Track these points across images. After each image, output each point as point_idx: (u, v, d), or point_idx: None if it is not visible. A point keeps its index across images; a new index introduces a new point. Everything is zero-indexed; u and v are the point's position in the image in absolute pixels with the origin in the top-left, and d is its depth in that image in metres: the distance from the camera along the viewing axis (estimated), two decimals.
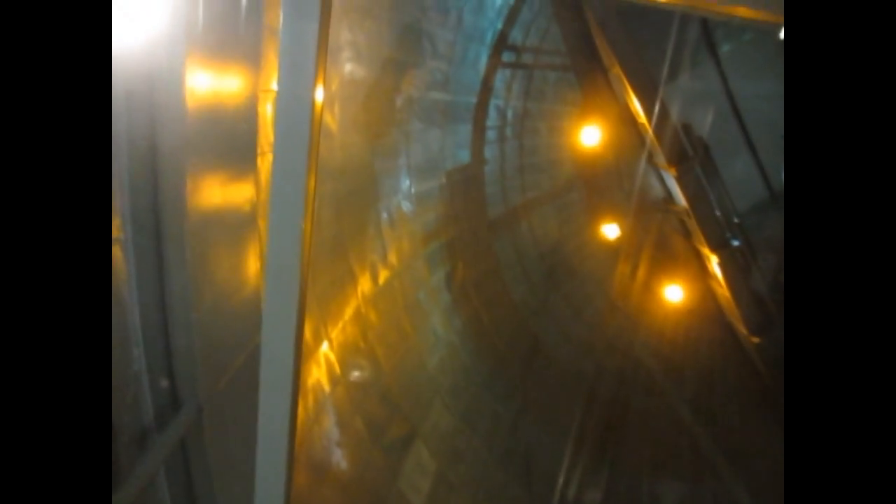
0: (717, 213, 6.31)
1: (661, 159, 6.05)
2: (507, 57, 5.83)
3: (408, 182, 4.98)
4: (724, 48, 5.86)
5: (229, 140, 2.56)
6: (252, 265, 2.74)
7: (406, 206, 4.98)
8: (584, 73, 5.87)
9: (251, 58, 2.64)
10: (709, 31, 5.51)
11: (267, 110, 2.99)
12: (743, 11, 1.74)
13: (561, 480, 5.46)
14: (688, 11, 4.68)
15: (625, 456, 5.71)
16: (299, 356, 1.86)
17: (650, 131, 5.57)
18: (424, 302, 5.07)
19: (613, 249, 6.40)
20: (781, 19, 1.61)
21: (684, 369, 6.35)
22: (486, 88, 5.77)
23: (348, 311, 4.12)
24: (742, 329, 6.33)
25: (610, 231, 6.45)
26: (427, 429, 4.58)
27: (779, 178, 6.29)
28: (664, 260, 6.77)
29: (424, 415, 4.63)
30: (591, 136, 6.03)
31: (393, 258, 4.63)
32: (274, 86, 2.89)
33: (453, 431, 4.80)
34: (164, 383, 2.09)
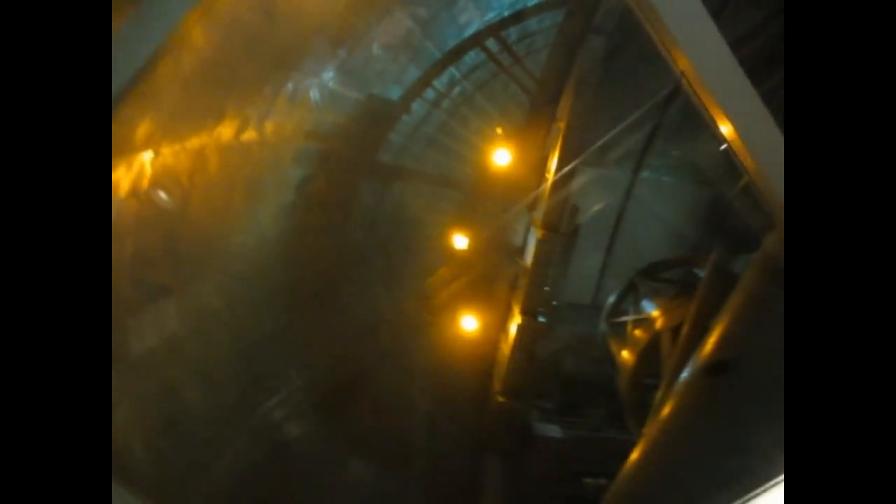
0: (546, 289, 6.83)
1: (539, 217, 6.40)
2: (490, 44, 5.79)
3: (337, 79, 4.73)
4: (647, 174, 6.40)
5: None
6: None
7: (317, 94, 4.73)
8: (537, 108, 6.01)
9: None
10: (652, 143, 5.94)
11: None
12: None
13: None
14: None
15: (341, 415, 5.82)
16: None
17: (548, 191, 5.87)
18: (268, 185, 4.84)
19: (452, 256, 6.60)
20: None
21: (434, 384, 6.72)
22: (454, 55, 5.68)
23: (193, 143, 3.81)
24: (497, 385, 6.90)
25: (460, 241, 6.65)
26: (189, 292, 4.36)
27: (605, 295, 6.98)
28: (482, 293, 7.15)
29: (197, 279, 4.41)
30: (502, 158, 6.18)
31: (269, 127, 4.35)
32: None
33: (208, 311, 4.62)
34: None
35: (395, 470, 5.42)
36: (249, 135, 4.24)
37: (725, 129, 1.64)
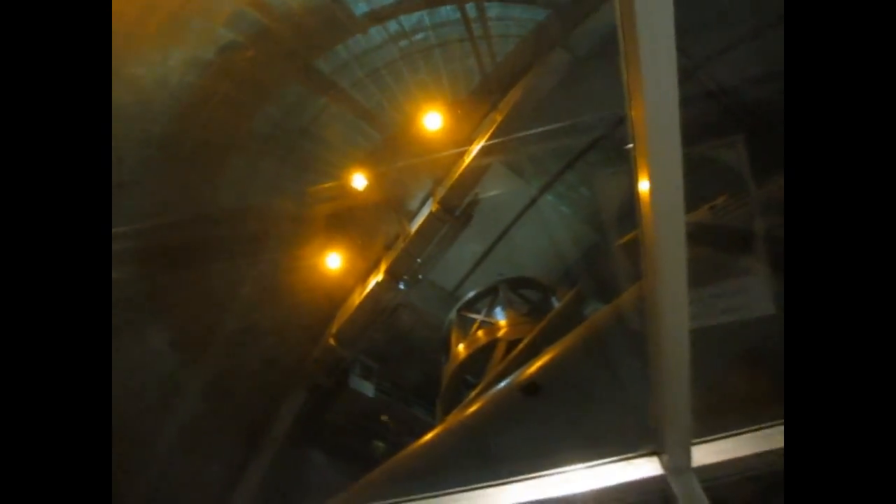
0: (418, 260, 6.92)
1: (440, 192, 6.45)
2: (470, 10, 5.70)
3: None
4: (551, 196, 6.66)
5: None
6: None
7: None
8: (484, 91, 6.04)
9: None
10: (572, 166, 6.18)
11: None
12: None
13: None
14: None
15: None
16: None
17: (458, 171, 5.94)
18: (192, 32, 4.46)
19: (347, 193, 6.45)
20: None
21: (275, 302, 6.57)
22: (432, 1, 5.55)
23: None
24: (333, 328, 6.90)
25: (359, 180, 6.53)
26: None
27: (467, 288, 7.21)
28: (358, 241, 7.10)
29: None
30: (432, 121, 6.15)
31: None
32: None
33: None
34: None
35: (201, 364, 5.24)
36: None
37: (643, 182, 1.73)
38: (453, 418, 5.03)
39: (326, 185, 5.98)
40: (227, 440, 5.73)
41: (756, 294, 2.56)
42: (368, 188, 6.42)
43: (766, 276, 2.65)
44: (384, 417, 6.51)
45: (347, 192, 6.16)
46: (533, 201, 6.66)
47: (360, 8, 5.18)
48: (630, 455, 1.90)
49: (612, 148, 5.31)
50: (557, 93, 5.29)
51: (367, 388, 6.71)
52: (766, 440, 1.84)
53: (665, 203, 1.63)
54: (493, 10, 5.67)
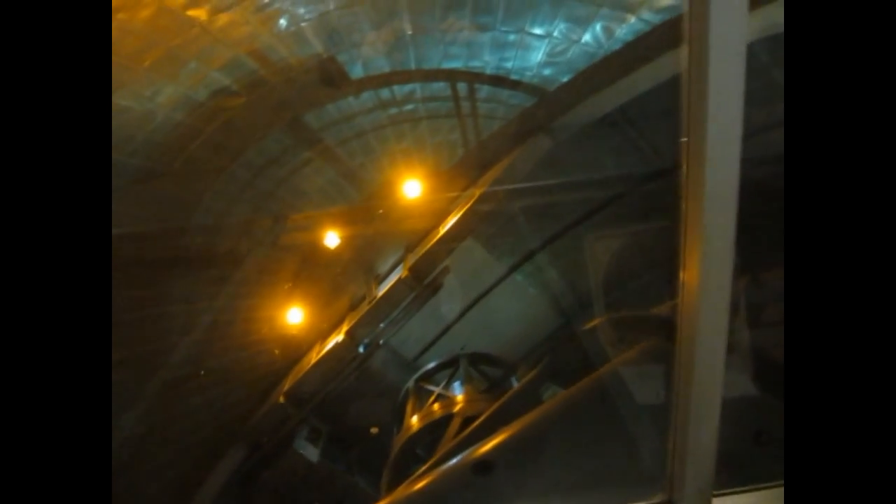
0: (382, 325, 6.82)
1: (411, 259, 6.46)
2: (461, 87, 5.93)
3: (313, 22, 4.62)
4: (519, 276, 6.72)
5: None
6: None
7: (285, 23, 4.58)
8: (465, 166, 6.20)
9: None
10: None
11: None
12: None
13: None
14: None
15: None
16: None
17: (436, 236, 5.99)
18: (186, 72, 4.52)
19: (318, 247, 6.42)
20: None
21: (231, 348, 6.37)
22: (425, 75, 5.77)
23: None
24: (285, 385, 6.67)
25: (332, 239, 6.54)
26: None
27: (427, 358, 7.11)
28: (326, 296, 7.00)
29: None
30: (411, 189, 6.24)
31: (221, 19, 4.11)
32: None
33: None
34: None
35: (136, 406, 4.97)
36: (198, 13, 3.98)
37: (687, 274, 1.68)
38: (398, 493, 4.83)
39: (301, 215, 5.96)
40: (155, 493, 5.37)
41: (740, 372, 2.54)
42: (340, 247, 6.41)
43: (749, 355, 2.63)
44: (374, 430, 6.25)
45: (318, 230, 6.14)
46: (501, 279, 6.71)
47: (356, 70, 5.35)
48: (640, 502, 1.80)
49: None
50: (536, 173, 5.46)
51: (311, 453, 6.42)
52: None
53: (715, 274, 1.58)
54: (483, 91, 5.91)
